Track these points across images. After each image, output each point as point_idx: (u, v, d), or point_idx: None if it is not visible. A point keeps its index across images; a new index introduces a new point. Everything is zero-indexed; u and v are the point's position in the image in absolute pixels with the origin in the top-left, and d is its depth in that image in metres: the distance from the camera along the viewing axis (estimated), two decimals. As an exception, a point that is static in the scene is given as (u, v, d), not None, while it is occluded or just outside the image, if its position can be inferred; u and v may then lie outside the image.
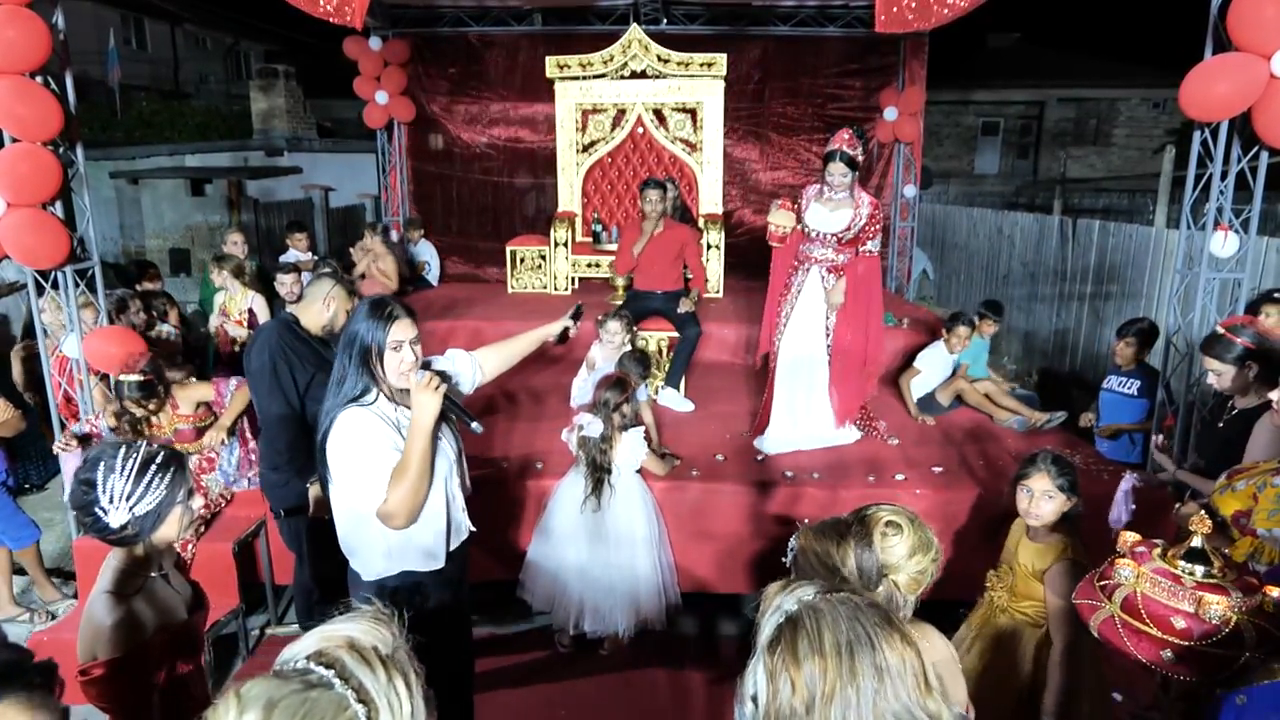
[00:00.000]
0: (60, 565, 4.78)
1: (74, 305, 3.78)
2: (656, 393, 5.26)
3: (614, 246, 6.59)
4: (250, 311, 5.48)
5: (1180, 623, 1.66)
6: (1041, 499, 2.61)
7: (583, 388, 4.61)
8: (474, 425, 2.33)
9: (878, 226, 4.25)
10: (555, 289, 7.19)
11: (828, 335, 4.37)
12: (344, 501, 2.28)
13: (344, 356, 2.24)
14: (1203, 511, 1.80)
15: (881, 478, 4.13)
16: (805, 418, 4.48)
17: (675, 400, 5.25)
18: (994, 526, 3.20)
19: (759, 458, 4.36)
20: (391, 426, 2.23)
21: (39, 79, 3.47)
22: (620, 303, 5.81)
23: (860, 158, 4.14)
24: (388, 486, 2.15)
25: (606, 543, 3.71)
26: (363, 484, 2.18)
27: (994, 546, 2.95)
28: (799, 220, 4.25)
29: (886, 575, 1.74)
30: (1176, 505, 3.15)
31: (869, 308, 4.36)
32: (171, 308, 5.48)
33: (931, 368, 5.11)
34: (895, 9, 4.03)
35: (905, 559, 1.74)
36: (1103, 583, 1.84)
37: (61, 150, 3.62)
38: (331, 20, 3.81)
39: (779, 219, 4.20)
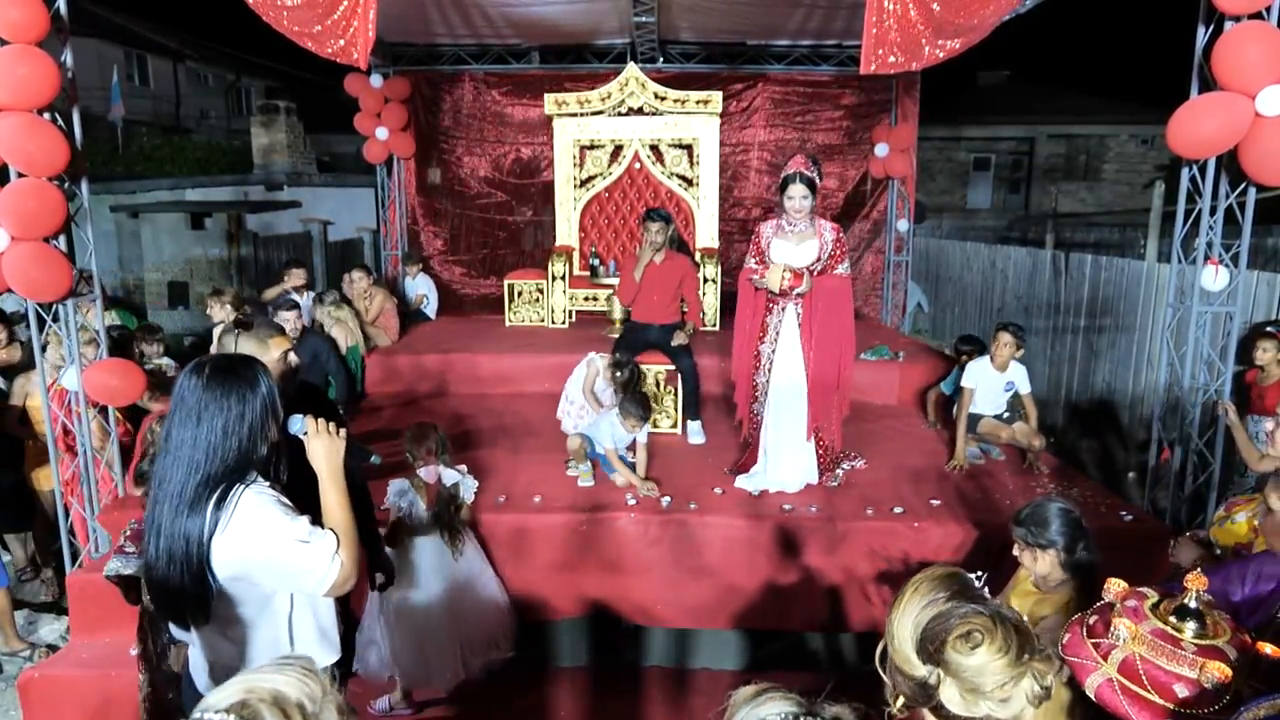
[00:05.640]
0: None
1: (75, 337, 3.79)
2: (655, 425, 5.27)
3: (612, 280, 6.64)
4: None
5: (1183, 690, 1.60)
6: (1025, 557, 2.55)
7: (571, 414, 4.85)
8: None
9: (844, 250, 4.20)
10: (553, 322, 7.22)
11: (807, 370, 4.28)
12: (274, 596, 1.94)
13: (234, 438, 1.85)
14: (1199, 570, 1.77)
15: (880, 511, 4.13)
16: (793, 459, 4.39)
17: (696, 433, 5.30)
18: (994, 560, 3.19)
19: (756, 492, 4.35)
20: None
21: (46, 115, 3.52)
22: (616, 335, 5.84)
23: (818, 181, 4.12)
24: (338, 551, 1.89)
25: (464, 581, 3.59)
26: (309, 566, 1.86)
27: (994, 581, 2.93)
28: (765, 259, 4.19)
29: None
30: (1172, 541, 3.14)
31: (841, 329, 4.24)
32: (154, 340, 5.38)
33: (980, 384, 4.76)
34: (880, 52, 4.09)
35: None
36: (1094, 640, 1.77)
37: (66, 185, 3.66)
38: (338, 60, 3.88)
39: (778, 278, 4.06)
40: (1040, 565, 2.53)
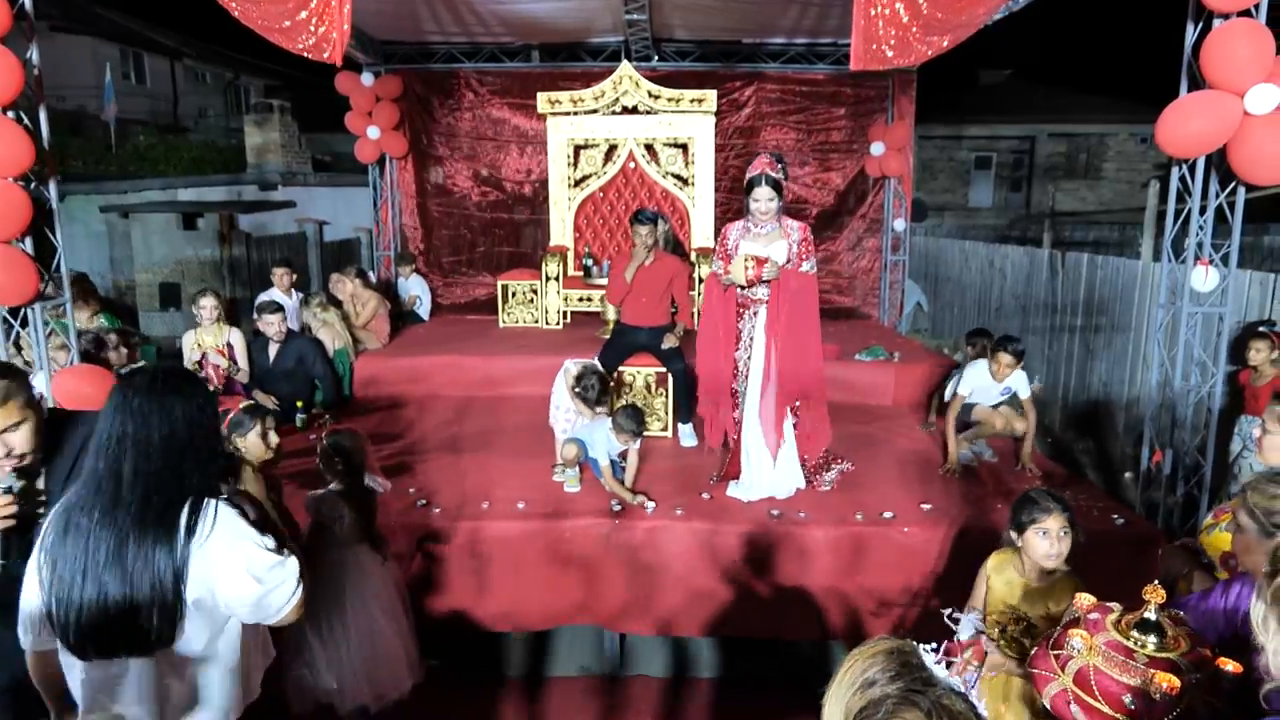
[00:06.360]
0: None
1: (43, 343, 3.73)
2: (646, 428, 5.21)
3: (605, 280, 6.58)
4: (229, 345, 5.40)
5: (1131, 701, 1.59)
6: (1059, 538, 2.55)
7: (559, 420, 4.71)
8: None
9: (810, 248, 4.11)
10: (546, 323, 7.17)
11: (773, 370, 4.16)
12: (227, 623, 1.86)
13: (192, 449, 1.78)
14: (1156, 581, 1.73)
15: (869, 516, 4.06)
16: (776, 465, 4.29)
17: (687, 435, 5.25)
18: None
19: (746, 501, 4.28)
20: None
21: (10, 114, 3.45)
22: (606, 336, 5.77)
23: (783, 181, 4.04)
24: (301, 576, 1.87)
25: (393, 585, 3.31)
26: (277, 587, 1.82)
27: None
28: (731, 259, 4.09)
29: None
30: (1160, 550, 3.07)
31: (806, 328, 4.13)
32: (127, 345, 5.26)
33: (976, 391, 4.78)
34: (873, 48, 4.03)
35: None
36: (1056, 651, 1.76)
37: (33, 186, 3.60)
38: (309, 56, 3.81)
39: (741, 268, 3.95)
40: (1064, 545, 2.55)
